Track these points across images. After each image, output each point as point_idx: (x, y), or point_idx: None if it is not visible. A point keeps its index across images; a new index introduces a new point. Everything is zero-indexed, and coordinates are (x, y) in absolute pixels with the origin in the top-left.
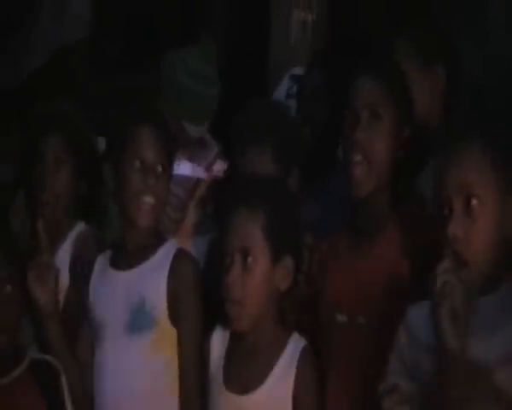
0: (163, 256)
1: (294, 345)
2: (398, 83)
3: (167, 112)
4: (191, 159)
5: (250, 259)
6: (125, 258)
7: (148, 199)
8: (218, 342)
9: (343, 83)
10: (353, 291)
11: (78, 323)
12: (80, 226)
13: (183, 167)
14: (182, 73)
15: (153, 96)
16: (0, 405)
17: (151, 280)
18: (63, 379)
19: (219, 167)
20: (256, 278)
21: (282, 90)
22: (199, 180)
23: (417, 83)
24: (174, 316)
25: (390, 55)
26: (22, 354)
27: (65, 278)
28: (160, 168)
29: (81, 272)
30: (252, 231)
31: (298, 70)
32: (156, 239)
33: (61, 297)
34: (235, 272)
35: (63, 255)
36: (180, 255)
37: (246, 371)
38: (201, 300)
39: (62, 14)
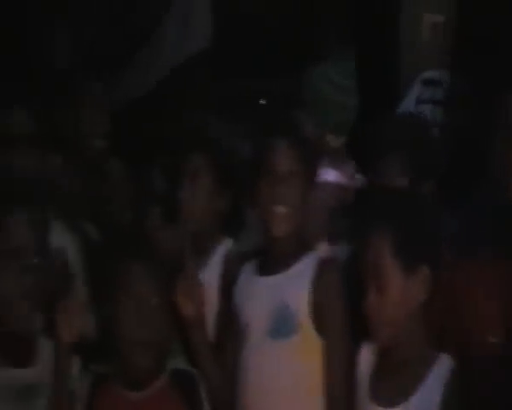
0: (306, 264)
1: (443, 363)
2: None
3: (309, 123)
4: (334, 167)
5: (382, 278)
6: (270, 264)
7: (280, 209)
8: (366, 354)
9: (489, 88)
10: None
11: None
12: (228, 243)
13: (328, 174)
14: (327, 86)
15: (287, 106)
16: None
17: (294, 287)
18: (202, 389)
19: (358, 182)
20: (390, 296)
21: (413, 95)
22: (343, 188)
23: None
24: (319, 326)
25: None
26: (163, 365)
27: (213, 295)
28: (292, 177)
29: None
30: (381, 249)
31: (429, 74)
32: (300, 247)
33: (207, 311)
34: (371, 295)
35: (211, 271)
36: (324, 265)
37: (393, 385)
38: (347, 309)
39: (185, 27)
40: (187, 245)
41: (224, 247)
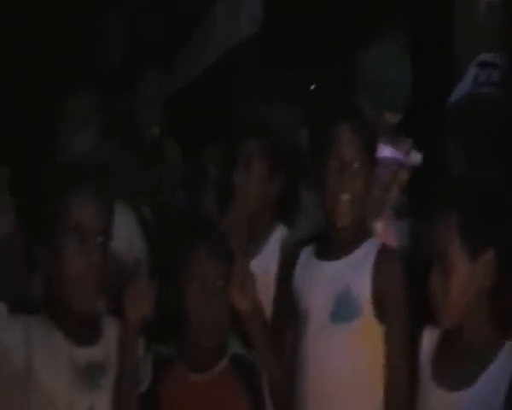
0: (367, 251)
1: (510, 352)
2: None
3: (367, 104)
4: (391, 144)
5: (448, 263)
6: (330, 250)
7: (345, 197)
8: (429, 338)
9: None
10: None
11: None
12: (283, 229)
13: (385, 150)
14: (381, 65)
15: (346, 93)
16: (204, 399)
17: (355, 273)
18: (263, 376)
19: (415, 158)
20: (456, 280)
21: (470, 77)
22: (400, 164)
23: None
24: (380, 313)
25: None
26: (225, 348)
27: (270, 282)
28: (357, 164)
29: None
30: (447, 234)
31: (485, 56)
32: (360, 233)
33: (265, 299)
34: (435, 278)
35: (268, 257)
36: (384, 252)
37: (456, 369)
38: (407, 296)
39: (235, 13)
40: (238, 239)
41: (280, 233)
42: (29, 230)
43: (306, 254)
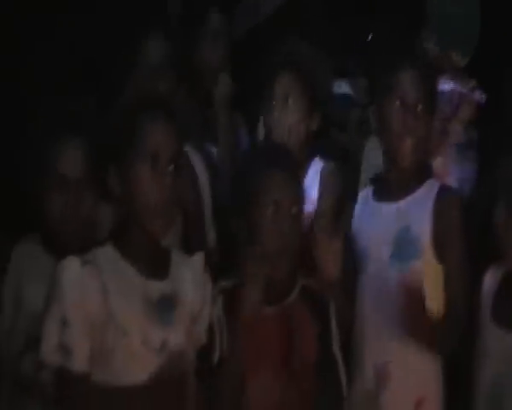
0: (427, 191)
1: None
2: None
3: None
4: (455, 80)
5: None
6: (389, 191)
7: (408, 139)
8: (492, 276)
9: None
10: None
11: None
12: (319, 162)
13: (447, 84)
14: (448, 4)
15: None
16: (276, 331)
17: (416, 213)
18: (332, 308)
19: (479, 96)
20: None
21: None
22: (463, 98)
23: None
24: (440, 252)
25: None
26: (294, 280)
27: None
28: (420, 107)
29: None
30: None
31: None
32: (421, 174)
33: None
34: (501, 215)
35: (308, 187)
36: (445, 191)
37: None
38: (465, 236)
39: None
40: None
41: (317, 165)
42: (101, 158)
43: (363, 196)
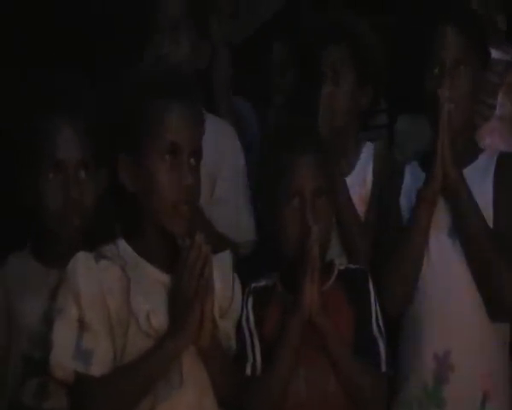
0: (485, 162)
1: None
2: None
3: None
4: (498, 46)
5: None
6: None
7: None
8: None
9: None
10: None
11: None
12: (370, 146)
13: (493, 52)
14: None
15: None
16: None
17: (475, 185)
18: (370, 286)
19: None
20: None
21: None
22: (508, 66)
23: None
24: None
25: None
26: (330, 267)
27: (366, 193)
28: (461, 68)
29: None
30: None
31: None
32: (472, 146)
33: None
34: None
35: (361, 170)
36: (505, 158)
37: None
38: None
39: None
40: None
41: (369, 148)
42: (107, 146)
43: (411, 171)
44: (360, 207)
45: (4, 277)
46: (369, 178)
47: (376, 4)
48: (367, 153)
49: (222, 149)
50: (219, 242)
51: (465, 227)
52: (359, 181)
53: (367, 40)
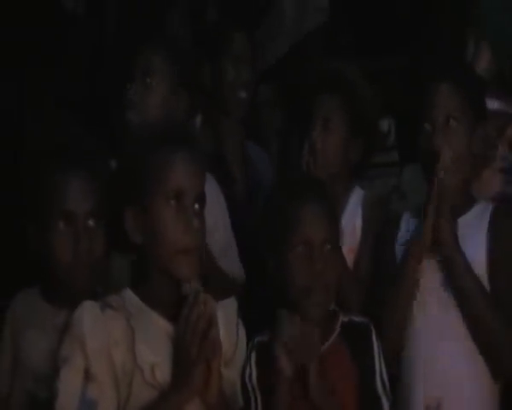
0: (479, 213)
1: None
2: None
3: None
4: (500, 98)
5: None
6: None
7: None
8: None
9: None
10: None
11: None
12: (360, 192)
13: (491, 103)
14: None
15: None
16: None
17: (468, 236)
18: (374, 337)
19: None
20: None
21: None
22: (509, 118)
23: None
24: (492, 275)
25: None
26: (335, 317)
27: (356, 238)
28: (455, 123)
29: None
30: None
31: None
32: (468, 196)
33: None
34: None
35: (351, 214)
36: (500, 210)
37: None
38: None
39: (304, 2)
40: None
41: (358, 194)
42: (114, 200)
43: (407, 220)
44: (349, 256)
45: (12, 314)
46: (359, 223)
47: (389, 46)
48: (356, 198)
49: None
50: (222, 279)
51: (459, 289)
52: (349, 229)
53: (362, 93)
